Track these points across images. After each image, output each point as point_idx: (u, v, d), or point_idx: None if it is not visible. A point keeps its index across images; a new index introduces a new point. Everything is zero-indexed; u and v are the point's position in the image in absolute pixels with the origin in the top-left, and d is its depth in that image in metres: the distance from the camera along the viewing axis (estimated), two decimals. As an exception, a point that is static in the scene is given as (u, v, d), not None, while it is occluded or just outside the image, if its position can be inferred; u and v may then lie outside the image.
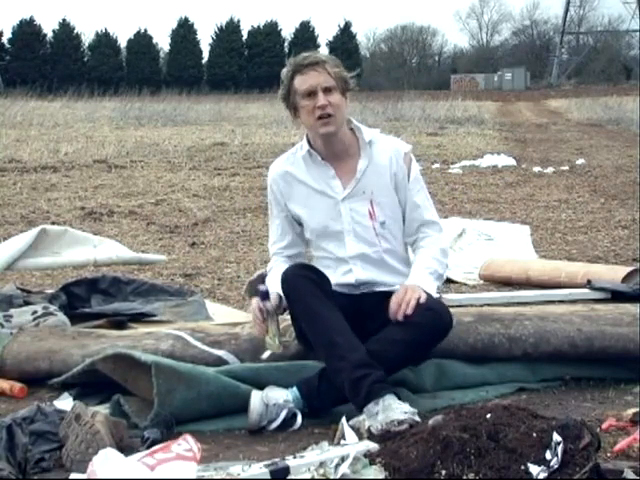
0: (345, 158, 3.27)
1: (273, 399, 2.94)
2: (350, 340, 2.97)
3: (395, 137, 3.45)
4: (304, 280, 3.08)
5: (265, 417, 2.92)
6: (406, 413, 2.76)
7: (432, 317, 3.03)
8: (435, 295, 3.19)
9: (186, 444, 2.31)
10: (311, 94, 3.16)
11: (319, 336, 3.02)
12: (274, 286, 3.20)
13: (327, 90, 3.17)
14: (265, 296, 3.15)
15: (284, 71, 3.23)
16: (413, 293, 3.03)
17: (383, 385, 2.86)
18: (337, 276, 3.28)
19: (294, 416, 2.95)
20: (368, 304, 3.24)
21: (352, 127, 3.31)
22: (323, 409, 3.00)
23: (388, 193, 3.26)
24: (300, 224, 3.37)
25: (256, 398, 2.92)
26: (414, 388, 3.20)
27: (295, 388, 3.00)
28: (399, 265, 3.31)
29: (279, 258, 3.39)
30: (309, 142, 3.29)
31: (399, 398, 2.86)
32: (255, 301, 3.16)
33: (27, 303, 4.04)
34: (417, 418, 2.76)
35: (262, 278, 4.24)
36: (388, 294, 3.24)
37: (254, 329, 3.23)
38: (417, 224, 3.30)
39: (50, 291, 4.43)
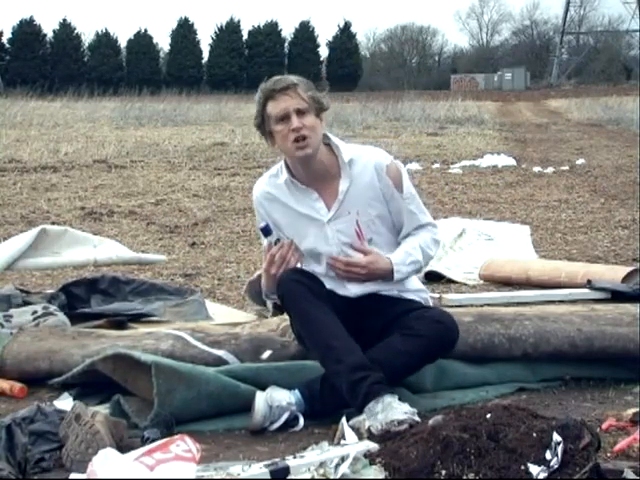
0: (327, 179, 3.21)
1: (277, 401, 2.93)
2: (346, 343, 2.96)
3: (376, 147, 3.36)
4: (298, 285, 3.07)
5: (268, 418, 2.92)
6: (406, 413, 2.76)
7: (440, 330, 3.03)
8: (417, 282, 3.35)
9: (185, 445, 2.31)
10: (284, 118, 3.11)
11: (315, 340, 3.02)
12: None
13: (300, 112, 3.10)
14: (267, 231, 3.16)
15: (256, 99, 3.18)
16: (371, 269, 3.14)
17: (381, 386, 2.85)
18: (333, 289, 3.24)
19: (296, 418, 2.95)
20: (367, 304, 3.23)
21: (330, 145, 3.23)
22: (325, 413, 2.99)
23: (373, 210, 3.21)
24: None
25: (260, 399, 2.92)
26: (414, 388, 3.20)
27: (297, 391, 2.99)
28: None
29: None
30: (288, 168, 3.23)
31: (398, 398, 2.85)
32: (266, 244, 3.16)
33: (26, 303, 4.04)
34: (417, 418, 2.76)
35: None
36: (386, 297, 3.24)
37: (273, 271, 3.13)
38: (413, 228, 3.27)
39: (49, 291, 4.42)
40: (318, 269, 3.26)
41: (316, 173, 3.20)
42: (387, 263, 3.17)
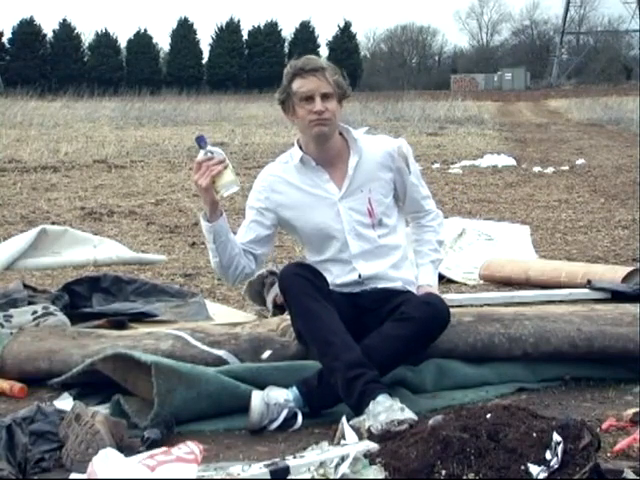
0: (338, 163, 3.31)
1: (274, 399, 2.94)
2: (345, 340, 2.97)
3: (383, 135, 3.54)
4: (300, 279, 3.08)
5: (266, 417, 2.92)
6: (403, 411, 2.76)
7: (429, 311, 3.06)
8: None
9: (187, 448, 2.32)
10: (309, 99, 3.21)
11: (314, 335, 3.03)
12: None
13: (325, 96, 3.21)
14: (203, 142, 3.09)
15: (284, 73, 3.27)
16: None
17: (377, 385, 2.86)
18: (339, 277, 3.30)
19: (295, 416, 2.95)
20: (367, 301, 3.25)
21: (341, 130, 3.33)
22: (323, 408, 3.01)
23: (383, 190, 3.32)
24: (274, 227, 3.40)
25: (257, 398, 2.92)
26: (414, 388, 3.20)
27: (295, 388, 3.00)
28: (398, 253, 3.35)
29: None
30: (301, 148, 3.32)
31: (390, 395, 2.85)
32: (200, 156, 3.10)
33: (31, 303, 4.03)
34: (415, 417, 2.77)
35: (262, 278, 4.25)
36: (387, 291, 3.26)
37: (200, 180, 3.08)
38: (419, 212, 3.49)
39: (54, 291, 4.42)
40: (325, 257, 3.31)
41: (328, 155, 3.30)
42: (431, 287, 3.41)
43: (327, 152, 3.29)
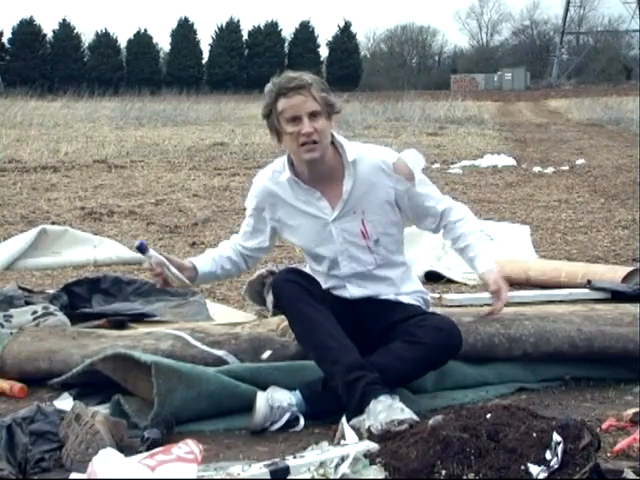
0: (330, 180, 3.17)
1: (278, 401, 2.93)
2: (343, 343, 2.95)
3: (381, 147, 3.32)
4: (294, 285, 3.07)
5: (269, 419, 2.92)
6: (403, 411, 2.76)
7: (442, 338, 3.01)
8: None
9: (187, 447, 2.32)
10: (296, 119, 3.05)
11: (311, 340, 3.01)
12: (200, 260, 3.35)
13: (312, 115, 3.05)
14: (143, 249, 3.14)
15: (267, 90, 3.11)
16: (505, 292, 3.34)
17: (377, 386, 2.85)
18: (332, 290, 3.26)
19: (296, 419, 2.95)
20: (364, 307, 3.23)
21: (335, 144, 3.17)
22: (326, 414, 2.97)
23: (379, 210, 3.18)
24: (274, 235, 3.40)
25: (262, 400, 2.91)
26: (414, 388, 3.20)
27: (298, 392, 2.98)
28: (394, 273, 3.27)
29: (233, 245, 3.41)
30: (292, 166, 3.19)
31: (396, 399, 2.85)
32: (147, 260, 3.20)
33: (28, 303, 4.04)
34: (416, 417, 2.76)
35: (262, 278, 4.25)
36: (384, 301, 3.24)
37: (158, 284, 3.28)
38: (437, 218, 3.27)
39: (51, 291, 4.42)
40: (319, 268, 3.27)
41: (321, 174, 3.16)
42: (498, 271, 3.34)
43: (319, 171, 3.15)
